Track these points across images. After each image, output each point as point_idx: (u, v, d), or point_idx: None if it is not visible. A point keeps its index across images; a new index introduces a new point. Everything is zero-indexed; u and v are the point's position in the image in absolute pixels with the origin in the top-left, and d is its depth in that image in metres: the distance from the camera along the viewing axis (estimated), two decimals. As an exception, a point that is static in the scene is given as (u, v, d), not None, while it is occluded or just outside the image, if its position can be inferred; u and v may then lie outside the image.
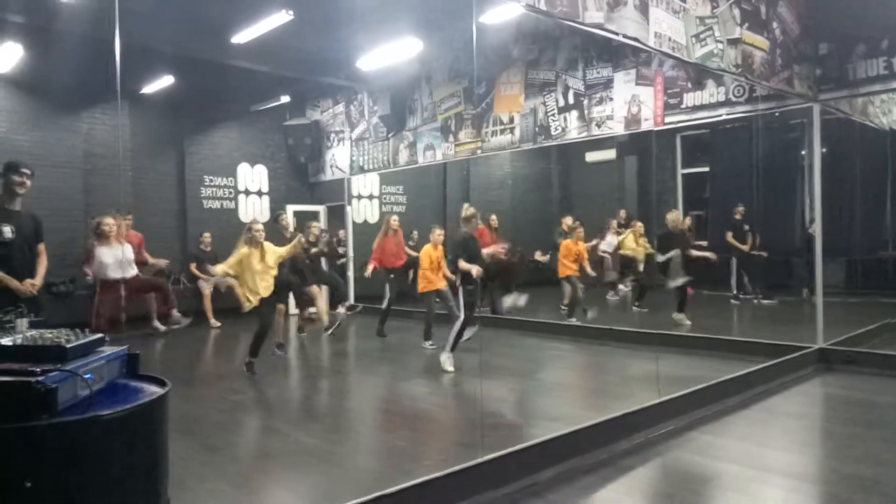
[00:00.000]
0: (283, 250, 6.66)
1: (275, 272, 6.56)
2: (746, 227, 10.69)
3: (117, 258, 6.59)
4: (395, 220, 8.92)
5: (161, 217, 10.74)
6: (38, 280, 4.43)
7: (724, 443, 4.21)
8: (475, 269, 6.32)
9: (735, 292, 10.77)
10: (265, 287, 6.44)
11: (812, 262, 6.78)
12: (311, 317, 8.07)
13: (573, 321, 8.80)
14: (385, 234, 8.75)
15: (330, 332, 8.39)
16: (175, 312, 7.10)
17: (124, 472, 1.82)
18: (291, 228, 8.01)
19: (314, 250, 8.08)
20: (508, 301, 7.36)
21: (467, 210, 6.74)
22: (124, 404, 1.82)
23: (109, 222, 6.53)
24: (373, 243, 8.90)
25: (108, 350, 2.05)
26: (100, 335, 2.06)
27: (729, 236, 10.60)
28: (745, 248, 10.48)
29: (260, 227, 6.49)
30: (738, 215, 10.69)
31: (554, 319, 8.99)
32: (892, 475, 3.56)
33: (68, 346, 1.85)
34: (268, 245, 6.56)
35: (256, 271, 6.35)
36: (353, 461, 4.19)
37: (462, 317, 6.44)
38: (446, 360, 6.40)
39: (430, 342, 7.51)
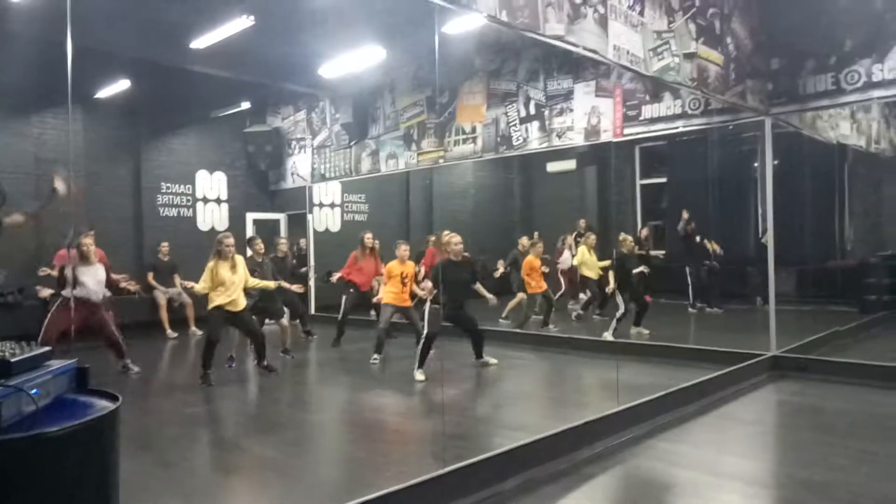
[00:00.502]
0: (253, 281, 6.64)
1: (242, 286, 6.52)
2: (698, 238, 10.93)
3: (97, 280, 6.57)
4: (369, 238, 8.57)
5: (116, 225, 10.45)
6: None
7: (682, 450, 4.28)
8: (424, 291, 6.75)
9: (692, 301, 11.00)
10: (237, 299, 6.39)
11: (765, 271, 6.95)
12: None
13: (552, 328, 8.99)
14: (363, 253, 8.46)
15: (288, 354, 8.05)
16: (127, 360, 6.93)
17: (73, 491, 1.75)
18: (262, 251, 7.82)
19: (288, 286, 7.93)
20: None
21: (445, 237, 6.95)
22: (73, 420, 1.75)
23: (88, 242, 6.55)
24: (330, 250, 8.71)
25: (55, 364, 1.98)
26: (48, 348, 1.99)
27: (685, 221, 10.85)
28: (713, 246, 10.82)
29: (231, 241, 6.44)
30: (689, 227, 10.94)
31: (516, 329, 9.05)
32: (842, 479, 3.66)
33: (13, 360, 1.78)
34: (239, 258, 6.54)
35: (226, 283, 6.30)
36: (312, 474, 4.13)
37: (426, 333, 6.47)
38: (418, 373, 6.42)
39: (377, 356, 7.32)
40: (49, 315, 6.32)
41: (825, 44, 6.36)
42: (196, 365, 6.66)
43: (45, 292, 7.44)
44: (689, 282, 10.95)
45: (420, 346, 6.52)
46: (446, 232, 7.10)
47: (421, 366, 6.45)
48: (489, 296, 6.92)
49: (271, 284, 6.94)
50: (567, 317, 9.90)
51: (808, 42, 6.45)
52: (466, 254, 7.18)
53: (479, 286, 6.90)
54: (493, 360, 7.04)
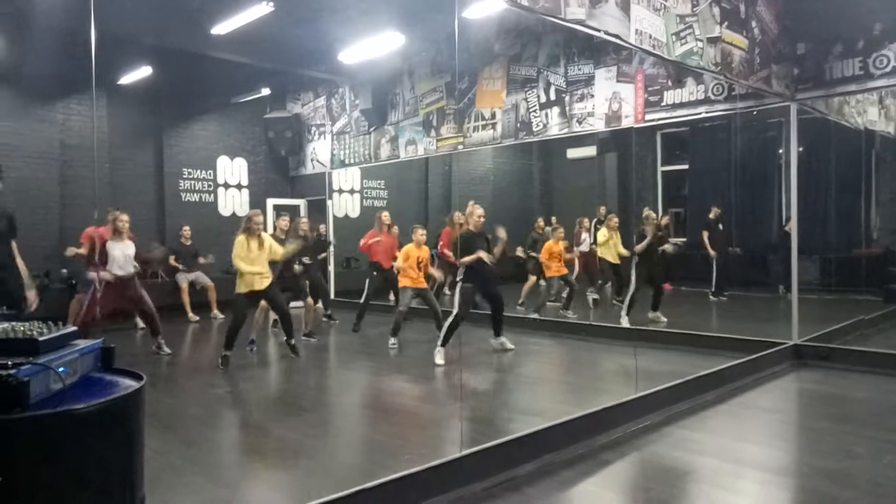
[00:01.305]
0: (281, 250, 6.78)
1: (268, 262, 6.67)
2: (721, 227, 10.86)
3: (126, 255, 6.84)
4: (386, 216, 8.78)
5: (138, 209, 10.57)
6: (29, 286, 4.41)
7: (700, 437, 4.27)
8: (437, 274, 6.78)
9: (715, 289, 10.91)
10: (262, 273, 6.52)
11: (788, 259, 6.86)
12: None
13: (570, 314, 8.98)
14: (380, 231, 8.63)
15: (311, 337, 8.11)
16: (161, 340, 7.10)
17: (99, 467, 1.79)
18: (286, 229, 7.93)
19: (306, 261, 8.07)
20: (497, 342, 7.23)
21: (469, 207, 6.93)
22: (98, 398, 1.78)
23: (124, 219, 6.89)
24: (349, 235, 8.78)
25: (81, 343, 2.02)
26: (74, 328, 2.03)
27: (705, 236, 10.79)
28: (714, 252, 10.71)
29: (260, 219, 6.61)
30: (713, 215, 10.85)
31: (532, 315, 9.03)
32: (861, 468, 3.63)
33: (41, 338, 1.82)
34: (266, 235, 6.71)
35: (254, 259, 6.45)
36: (332, 456, 4.18)
37: (456, 313, 6.48)
38: (438, 354, 6.46)
39: (394, 340, 7.39)
40: (94, 296, 6.59)
41: (853, 28, 6.22)
42: (219, 347, 6.75)
43: (99, 274, 7.79)
44: (714, 268, 10.84)
45: (447, 325, 6.51)
46: (472, 202, 7.08)
47: (444, 344, 6.46)
48: (488, 256, 6.87)
49: (291, 250, 7.06)
50: (585, 303, 9.85)
51: (835, 26, 6.31)
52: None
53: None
54: (510, 346, 7.06)
